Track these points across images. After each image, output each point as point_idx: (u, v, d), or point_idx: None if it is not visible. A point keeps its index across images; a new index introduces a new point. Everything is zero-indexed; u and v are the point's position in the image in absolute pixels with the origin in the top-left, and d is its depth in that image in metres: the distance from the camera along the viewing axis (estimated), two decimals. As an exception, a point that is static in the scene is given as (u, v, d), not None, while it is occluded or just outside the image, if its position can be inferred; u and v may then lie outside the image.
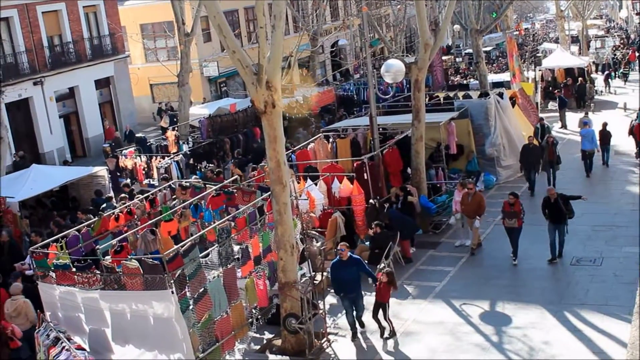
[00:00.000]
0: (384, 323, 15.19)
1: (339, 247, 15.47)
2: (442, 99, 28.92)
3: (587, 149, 26.22)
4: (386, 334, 15.18)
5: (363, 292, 15.43)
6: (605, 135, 27.08)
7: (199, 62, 44.99)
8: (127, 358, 13.21)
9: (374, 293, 15.26)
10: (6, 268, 17.36)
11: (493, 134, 25.65)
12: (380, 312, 15.12)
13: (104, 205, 21.70)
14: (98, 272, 13.93)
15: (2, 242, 18.80)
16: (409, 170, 22.77)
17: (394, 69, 20.80)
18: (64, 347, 12.39)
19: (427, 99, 26.09)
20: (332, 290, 17.71)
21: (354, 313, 15.29)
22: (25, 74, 34.99)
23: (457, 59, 62.96)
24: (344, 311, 15.55)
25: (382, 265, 18.14)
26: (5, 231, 19.74)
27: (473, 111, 25.72)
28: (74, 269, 14.13)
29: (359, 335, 15.36)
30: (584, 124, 27.55)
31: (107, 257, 14.96)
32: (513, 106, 28.45)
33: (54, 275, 14.14)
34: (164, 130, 35.17)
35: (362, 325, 15.55)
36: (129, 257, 14.37)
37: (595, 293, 16.26)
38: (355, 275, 14.93)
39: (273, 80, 13.65)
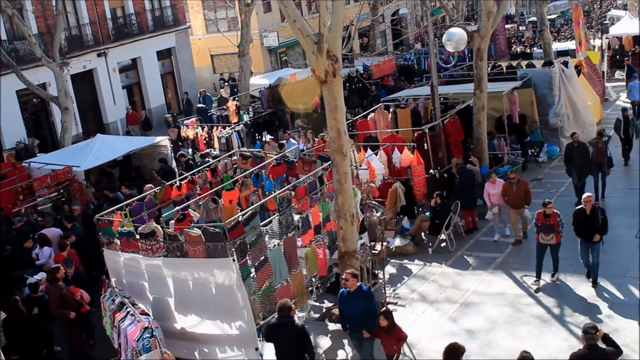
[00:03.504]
0: None
1: (343, 276, 12.79)
2: (504, 68, 28.52)
3: (636, 99, 28.41)
4: None
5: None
6: None
7: (259, 32, 45.05)
8: (189, 325, 13.44)
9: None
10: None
11: (557, 103, 25.11)
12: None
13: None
14: (161, 239, 14.17)
15: (75, 216, 19.26)
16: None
17: (456, 37, 20.56)
18: (128, 312, 12.71)
19: (489, 68, 25.69)
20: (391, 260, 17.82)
21: None
22: (89, 45, 35.66)
23: (521, 27, 61.64)
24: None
25: (443, 236, 18.16)
26: (77, 204, 20.29)
27: (536, 80, 25.25)
28: (137, 237, 14.43)
29: None
30: (634, 76, 29.47)
31: (170, 224, 15.23)
32: (578, 75, 27.85)
33: (118, 242, 14.43)
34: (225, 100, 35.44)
35: None
36: (191, 225, 14.58)
37: (661, 266, 15.90)
38: (361, 312, 12.22)
39: (334, 49, 13.57)
